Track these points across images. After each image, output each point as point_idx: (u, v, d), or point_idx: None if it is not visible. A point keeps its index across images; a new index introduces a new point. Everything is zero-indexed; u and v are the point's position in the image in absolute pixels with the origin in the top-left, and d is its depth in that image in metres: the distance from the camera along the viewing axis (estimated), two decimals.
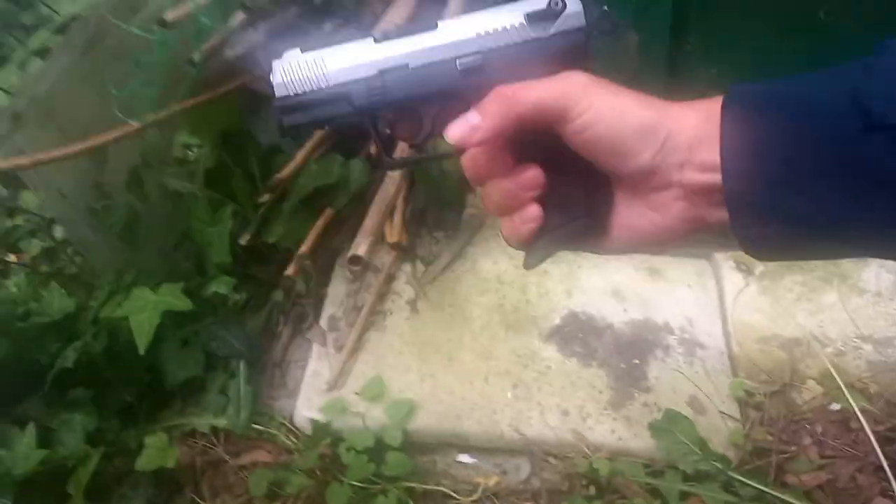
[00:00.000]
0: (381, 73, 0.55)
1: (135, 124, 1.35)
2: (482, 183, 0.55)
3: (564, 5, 0.53)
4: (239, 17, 1.66)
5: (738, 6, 1.39)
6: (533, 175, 0.54)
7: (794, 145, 0.45)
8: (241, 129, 1.68)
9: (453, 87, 0.55)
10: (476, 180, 0.55)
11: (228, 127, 1.62)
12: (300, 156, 1.61)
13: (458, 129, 0.52)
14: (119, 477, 1.27)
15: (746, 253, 0.51)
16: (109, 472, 1.25)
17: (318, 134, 1.67)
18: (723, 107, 0.49)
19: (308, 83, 0.55)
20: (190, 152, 1.59)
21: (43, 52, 1.77)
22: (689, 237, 0.54)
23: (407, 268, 1.61)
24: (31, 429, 1.22)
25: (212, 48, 1.58)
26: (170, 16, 1.37)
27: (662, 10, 1.43)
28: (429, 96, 0.55)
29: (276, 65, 0.56)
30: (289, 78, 0.55)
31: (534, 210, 0.54)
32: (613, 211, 0.55)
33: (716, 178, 0.48)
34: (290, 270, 1.50)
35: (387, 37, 0.56)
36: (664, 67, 1.53)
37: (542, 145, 0.53)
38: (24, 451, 1.20)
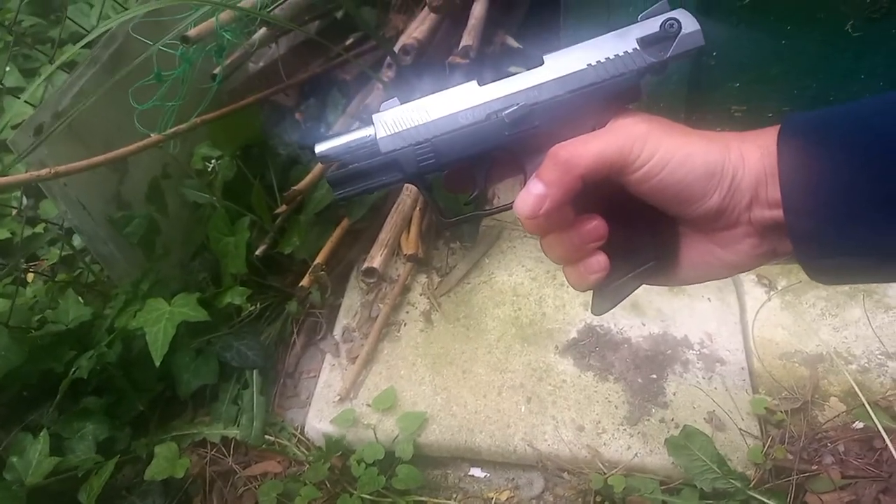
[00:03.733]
0: (430, 139, 0.54)
1: (155, 136, 1.37)
2: (542, 236, 0.54)
3: (679, 25, 0.52)
4: (260, 32, 1.69)
5: (762, 20, 1.37)
6: (594, 226, 0.52)
7: (852, 176, 0.44)
8: (261, 141, 1.70)
9: (504, 143, 0.54)
10: (535, 233, 0.54)
11: (249, 139, 1.64)
12: (317, 168, 1.62)
13: (526, 204, 0.50)
14: (128, 486, 1.27)
15: (813, 280, 0.50)
16: (119, 480, 1.25)
17: None
18: (778, 140, 0.48)
19: (357, 154, 0.55)
20: (209, 164, 1.61)
21: (69, 67, 1.80)
22: (759, 266, 0.54)
23: (422, 279, 1.60)
24: (44, 436, 1.22)
25: (234, 62, 1.60)
26: (192, 32, 1.39)
27: None
28: (481, 155, 0.54)
29: (317, 147, 0.56)
30: (336, 151, 0.55)
31: (600, 260, 0.53)
32: (681, 249, 0.54)
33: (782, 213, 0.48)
34: (305, 281, 1.50)
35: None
36: (686, 81, 1.52)
37: (604, 194, 0.52)
38: (37, 458, 1.21)
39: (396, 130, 0.54)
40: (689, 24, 0.51)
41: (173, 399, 1.42)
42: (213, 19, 1.39)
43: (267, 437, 1.38)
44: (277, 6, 1.61)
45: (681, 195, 0.49)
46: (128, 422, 1.35)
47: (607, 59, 0.52)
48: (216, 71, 1.52)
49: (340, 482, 1.27)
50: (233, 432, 1.37)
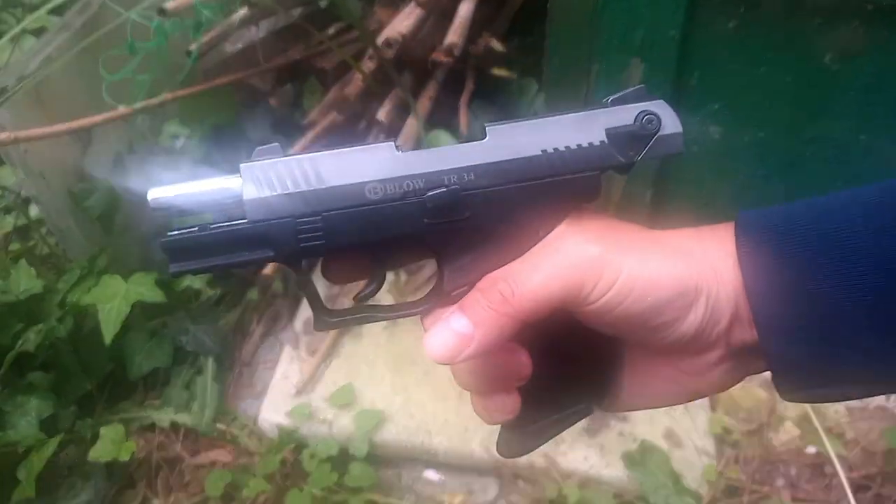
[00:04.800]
0: (321, 212, 0.39)
1: (122, 109, 1.32)
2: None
3: (659, 123, 0.41)
4: (241, 12, 1.65)
5: (745, 45, 1.38)
6: (517, 363, 0.41)
7: (828, 296, 0.37)
8: (233, 123, 1.66)
9: (419, 232, 0.40)
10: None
11: (221, 120, 1.60)
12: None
13: (443, 344, 0.38)
14: (71, 466, 1.22)
15: (788, 401, 0.42)
16: (61, 460, 1.20)
17: (308, 134, 1.65)
18: (736, 240, 0.40)
19: (211, 215, 0.41)
20: (177, 141, 1.57)
21: (39, 32, 1.74)
22: (724, 391, 0.45)
23: (389, 275, 1.58)
24: None
25: (211, 41, 1.56)
26: (170, 5, 1.35)
27: (668, 45, 1.43)
28: (385, 242, 0.41)
29: (150, 194, 0.40)
30: (182, 202, 0.40)
31: (510, 402, 0.41)
32: (625, 379, 0.44)
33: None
34: (267, 269, 1.47)
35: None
36: (668, 100, 1.52)
37: (542, 322, 0.40)
38: None
39: (275, 192, 0.39)
40: (670, 123, 0.41)
41: (123, 380, 1.37)
42: None
43: (218, 425, 1.34)
44: None
45: (648, 324, 0.39)
46: (74, 400, 1.30)
47: (567, 148, 0.41)
48: (192, 47, 1.48)
49: (291, 476, 1.24)
50: (183, 418, 1.33)
